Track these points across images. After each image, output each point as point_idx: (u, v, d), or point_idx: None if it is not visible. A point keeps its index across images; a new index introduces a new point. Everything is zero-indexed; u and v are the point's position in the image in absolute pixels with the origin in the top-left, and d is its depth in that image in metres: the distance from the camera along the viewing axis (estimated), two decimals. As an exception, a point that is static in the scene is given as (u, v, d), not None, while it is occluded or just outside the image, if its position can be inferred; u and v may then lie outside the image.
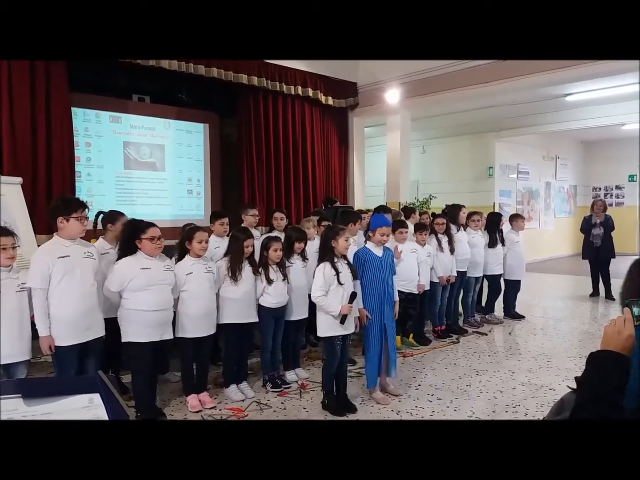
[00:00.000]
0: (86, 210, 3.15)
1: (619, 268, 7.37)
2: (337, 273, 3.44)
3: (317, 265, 3.54)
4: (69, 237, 3.09)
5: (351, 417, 3.46)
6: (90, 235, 3.71)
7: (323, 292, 3.43)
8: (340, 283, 3.44)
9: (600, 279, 7.48)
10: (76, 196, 3.26)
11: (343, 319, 3.46)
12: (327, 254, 3.51)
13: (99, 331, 3.21)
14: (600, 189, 13.81)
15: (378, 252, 3.74)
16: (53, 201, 3.44)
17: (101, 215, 3.93)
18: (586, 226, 7.70)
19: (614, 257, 7.44)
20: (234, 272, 3.69)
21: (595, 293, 7.59)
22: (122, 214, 3.95)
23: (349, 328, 3.55)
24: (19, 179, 4.80)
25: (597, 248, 7.49)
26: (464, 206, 5.76)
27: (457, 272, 5.50)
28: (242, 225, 4.72)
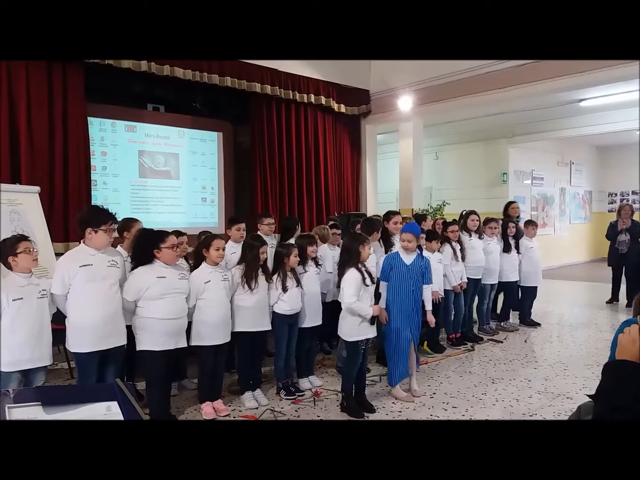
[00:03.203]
0: (115, 222, 3.23)
1: None
2: (364, 277, 3.53)
3: (341, 272, 3.61)
4: (96, 247, 3.15)
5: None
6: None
7: (356, 297, 3.50)
8: (366, 285, 3.55)
9: (625, 286, 7.23)
10: (105, 207, 3.29)
11: (373, 319, 3.60)
12: (352, 259, 3.57)
13: (121, 340, 3.23)
14: (615, 194, 13.65)
15: (407, 259, 3.89)
16: (83, 211, 3.51)
17: (115, 225, 3.98)
18: (611, 232, 7.46)
19: None
20: (250, 281, 3.69)
21: (613, 300, 7.44)
22: (136, 220, 3.99)
23: (373, 331, 3.66)
24: (37, 188, 4.87)
25: (622, 255, 7.26)
26: (473, 212, 5.69)
27: (472, 279, 5.45)
28: (258, 233, 4.74)
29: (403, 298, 3.85)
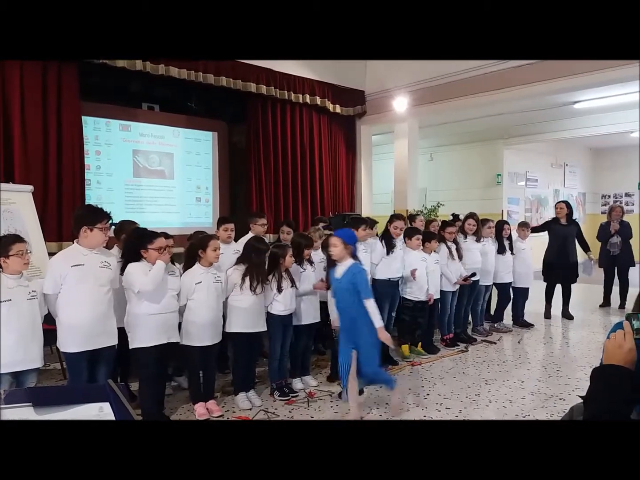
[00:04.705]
0: (110, 221, 3.20)
1: (633, 277, 7.26)
2: None
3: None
4: (90, 246, 3.13)
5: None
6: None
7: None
8: None
9: (619, 287, 7.23)
10: (100, 206, 3.28)
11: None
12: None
13: (111, 340, 3.22)
14: (609, 196, 13.72)
15: (337, 271, 3.46)
16: (78, 209, 3.54)
17: (112, 227, 3.94)
18: (602, 234, 7.43)
19: (634, 265, 7.25)
20: (257, 285, 3.67)
21: (605, 304, 7.44)
22: (134, 223, 3.97)
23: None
24: (30, 187, 4.85)
25: (613, 257, 7.25)
26: (471, 217, 5.66)
27: (469, 280, 5.47)
28: (251, 234, 4.72)
29: (341, 311, 3.48)
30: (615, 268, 7.33)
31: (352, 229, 3.98)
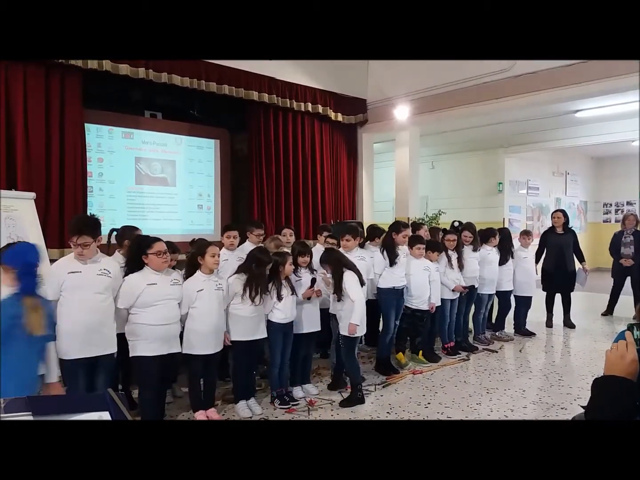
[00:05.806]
0: (84, 237, 3.00)
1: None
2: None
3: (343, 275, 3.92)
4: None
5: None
6: (104, 252, 3.70)
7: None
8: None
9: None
10: (90, 215, 3.21)
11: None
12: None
13: (108, 348, 3.19)
14: (611, 204, 13.72)
15: None
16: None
17: (114, 233, 3.95)
18: (616, 244, 7.27)
19: None
20: (255, 297, 3.66)
21: (608, 312, 7.41)
22: (136, 229, 3.96)
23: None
24: (33, 194, 4.86)
25: (626, 267, 7.07)
26: (467, 228, 5.63)
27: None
28: (248, 242, 4.70)
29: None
30: (629, 279, 7.12)
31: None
